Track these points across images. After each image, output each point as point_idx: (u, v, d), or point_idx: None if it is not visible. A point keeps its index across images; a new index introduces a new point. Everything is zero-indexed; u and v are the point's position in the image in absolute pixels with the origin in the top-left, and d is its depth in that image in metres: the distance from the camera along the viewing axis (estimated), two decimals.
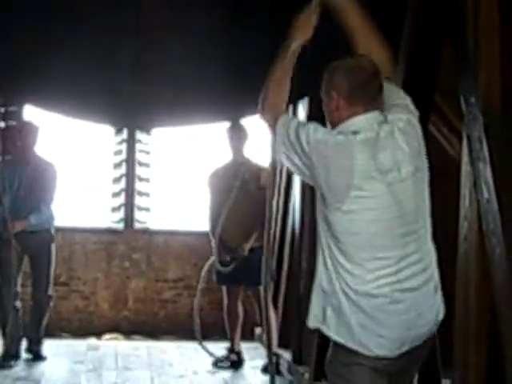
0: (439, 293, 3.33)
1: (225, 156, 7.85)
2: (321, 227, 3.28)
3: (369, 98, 3.18)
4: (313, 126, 3.17)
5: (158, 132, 9.62)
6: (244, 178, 7.53)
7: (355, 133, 3.09)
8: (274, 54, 3.49)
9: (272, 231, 7.87)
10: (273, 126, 3.30)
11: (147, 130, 9.74)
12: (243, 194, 7.46)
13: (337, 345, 3.23)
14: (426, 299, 3.26)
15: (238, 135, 7.62)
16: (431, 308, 3.28)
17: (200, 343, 7.73)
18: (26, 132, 7.48)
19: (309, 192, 7.34)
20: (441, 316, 3.30)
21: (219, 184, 7.62)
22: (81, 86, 4.57)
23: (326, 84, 3.27)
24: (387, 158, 3.07)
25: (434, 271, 3.30)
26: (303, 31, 3.48)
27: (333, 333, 3.21)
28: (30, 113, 8.57)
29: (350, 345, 3.17)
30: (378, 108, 3.19)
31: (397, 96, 3.32)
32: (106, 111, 4.87)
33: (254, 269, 7.44)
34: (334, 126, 3.27)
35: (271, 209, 7.40)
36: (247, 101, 4.81)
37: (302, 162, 3.16)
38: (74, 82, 4.54)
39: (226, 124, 7.57)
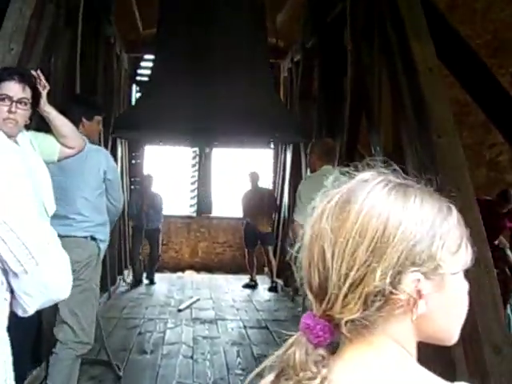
0: None
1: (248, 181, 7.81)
2: None
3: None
4: None
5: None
6: (261, 195, 7.62)
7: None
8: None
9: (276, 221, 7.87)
10: None
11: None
12: (260, 202, 7.49)
13: None
14: None
15: (255, 176, 7.70)
16: None
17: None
18: (146, 179, 7.65)
19: (292, 200, 7.33)
20: None
21: (247, 198, 7.64)
22: (174, 129, 4.41)
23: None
24: None
25: None
26: None
27: None
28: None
29: None
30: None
31: None
32: (188, 140, 4.70)
33: (266, 239, 7.57)
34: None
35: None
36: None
37: None
38: (170, 129, 4.40)
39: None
